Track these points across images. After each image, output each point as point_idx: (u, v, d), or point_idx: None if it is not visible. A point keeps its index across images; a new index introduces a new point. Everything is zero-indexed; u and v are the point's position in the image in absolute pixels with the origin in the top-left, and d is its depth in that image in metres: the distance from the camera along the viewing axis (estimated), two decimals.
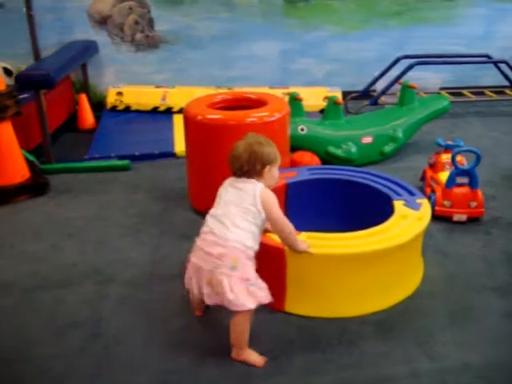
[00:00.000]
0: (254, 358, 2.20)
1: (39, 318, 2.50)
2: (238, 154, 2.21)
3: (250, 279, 2.11)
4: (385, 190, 2.92)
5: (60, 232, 3.30)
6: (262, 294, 2.12)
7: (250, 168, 2.20)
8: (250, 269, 2.13)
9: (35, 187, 3.83)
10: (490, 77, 6.03)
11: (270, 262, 2.41)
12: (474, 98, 5.83)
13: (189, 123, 3.31)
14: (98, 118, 5.38)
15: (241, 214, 2.15)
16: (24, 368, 2.20)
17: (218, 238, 2.13)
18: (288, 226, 2.25)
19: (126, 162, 4.26)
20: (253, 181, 2.20)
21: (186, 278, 2.27)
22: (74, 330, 2.40)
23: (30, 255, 3.05)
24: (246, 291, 2.09)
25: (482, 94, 5.99)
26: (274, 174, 2.26)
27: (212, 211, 2.24)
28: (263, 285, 2.15)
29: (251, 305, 2.09)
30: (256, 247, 2.19)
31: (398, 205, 2.73)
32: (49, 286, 2.74)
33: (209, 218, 2.23)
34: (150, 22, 5.72)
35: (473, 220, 3.29)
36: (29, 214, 3.56)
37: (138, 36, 5.75)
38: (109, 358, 2.23)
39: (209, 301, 2.16)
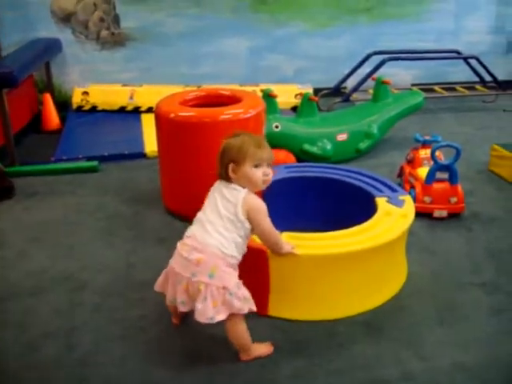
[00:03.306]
0: (263, 350, 2.14)
1: (10, 328, 2.35)
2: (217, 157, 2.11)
3: (229, 288, 1.98)
4: (366, 187, 2.85)
5: (28, 237, 3.15)
6: (238, 303, 1.99)
7: (221, 168, 2.08)
8: (229, 276, 2.01)
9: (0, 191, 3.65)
10: (460, 72, 6.04)
11: (252, 264, 2.31)
12: (445, 93, 5.83)
13: (161, 121, 3.19)
14: (63, 118, 5.20)
15: (223, 222, 2.02)
16: None
17: (197, 243, 2.01)
18: (275, 236, 2.13)
19: (94, 163, 4.12)
20: (237, 187, 2.06)
21: (160, 281, 2.17)
22: (47, 341, 2.26)
23: None
24: (221, 301, 1.97)
25: (453, 89, 6.00)
26: (246, 173, 2.03)
27: (198, 215, 2.13)
28: (245, 294, 2.04)
29: (220, 317, 1.98)
30: (239, 256, 2.08)
31: (381, 202, 2.67)
32: (18, 294, 2.60)
33: (194, 222, 2.12)
34: (116, 19, 5.58)
35: (453, 216, 3.25)
36: None
37: (104, 33, 5.60)
38: (86, 370, 2.10)
39: (183, 308, 2.06)
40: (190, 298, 2.02)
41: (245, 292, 2.04)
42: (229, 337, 2.09)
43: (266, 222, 2.08)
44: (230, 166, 2.04)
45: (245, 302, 2.02)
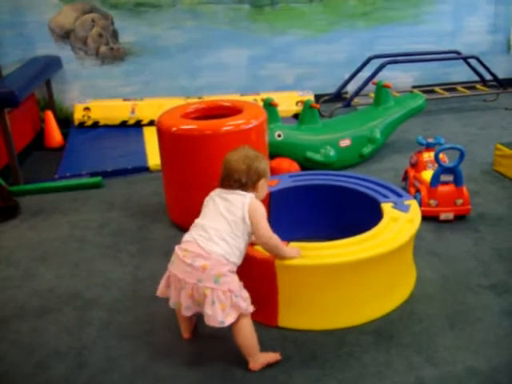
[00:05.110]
0: (270, 356, 2.16)
1: (19, 349, 2.35)
2: (235, 166, 2.15)
3: (234, 291, 2.04)
4: (371, 193, 2.83)
5: (34, 256, 3.14)
6: (244, 304, 2.06)
7: (247, 180, 2.15)
8: (233, 280, 2.07)
9: (4, 210, 3.66)
10: (460, 73, 6.04)
11: (260, 276, 2.31)
12: (446, 94, 5.82)
13: (163, 135, 3.19)
14: (65, 135, 5.22)
15: (229, 228, 2.09)
16: None
17: (201, 250, 2.05)
18: (275, 239, 2.18)
19: (98, 178, 4.12)
20: (242, 192, 2.14)
21: (162, 287, 2.19)
22: (56, 360, 2.25)
23: (4, 282, 2.89)
24: (229, 304, 2.02)
25: (454, 90, 5.99)
26: (266, 186, 2.25)
27: (197, 220, 2.17)
28: (247, 294, 2.10)
29: (230, 319, 2.03)
30: (239, 262, 2.14)
31: (387, 207, 2.65)
32: (26, 314, 2.59)
33: (193, 227, 2.16)
34: (114, 34, 5.59)
35: (459, 218, 3.24)
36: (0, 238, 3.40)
37: (103, 49, 5.61)
38: None
39: (187, 313, 2.10)
40: (194, 302, 2.07)
41: (246, 293, 2.10)
42: (237, 341, 2.10)
43: (264, 222, 2.14)
44: (262, 181, 2.19)
45: (248, 302, 2.08)
